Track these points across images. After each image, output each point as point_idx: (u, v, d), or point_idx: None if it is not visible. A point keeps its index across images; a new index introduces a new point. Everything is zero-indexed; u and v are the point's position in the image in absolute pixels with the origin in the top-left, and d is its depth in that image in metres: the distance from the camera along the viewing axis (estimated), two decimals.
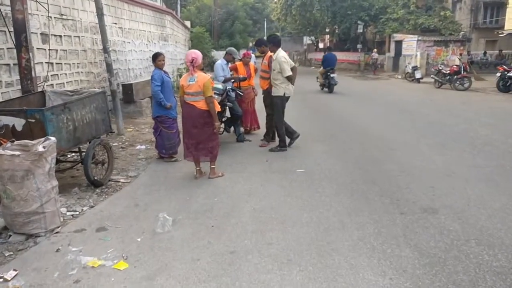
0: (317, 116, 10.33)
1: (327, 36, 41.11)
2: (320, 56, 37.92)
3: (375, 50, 27.48)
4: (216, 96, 6.37)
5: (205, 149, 5.19)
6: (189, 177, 5.37)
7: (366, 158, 6.14)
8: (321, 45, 43.56)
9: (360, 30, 29.08)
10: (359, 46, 30.37)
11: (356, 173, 5.44)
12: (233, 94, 7.12)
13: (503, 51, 23.52)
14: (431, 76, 17.53)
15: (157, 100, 5.98)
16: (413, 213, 4.05)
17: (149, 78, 6.31)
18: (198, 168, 5.33)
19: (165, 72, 6.15)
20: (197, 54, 5.09)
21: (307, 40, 42.54)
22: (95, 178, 4.95)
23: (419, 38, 22.80)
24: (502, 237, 3.46)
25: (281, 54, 6.36)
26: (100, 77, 9.53)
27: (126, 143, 7.45)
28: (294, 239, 3.55)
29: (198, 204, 4.43)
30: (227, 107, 7.16)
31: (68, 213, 4.24)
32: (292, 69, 6.44)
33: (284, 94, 6.44)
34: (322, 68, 15.76)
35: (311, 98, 14.33)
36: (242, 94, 7.16)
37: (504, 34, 19.24)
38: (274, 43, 6.52)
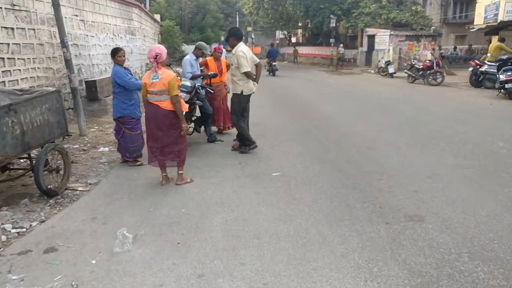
0: (291, 112, 10.00)
1: (300, 31, 40.98)
2: (291, 50, 37.79)
3: (342, 45, 27.84)
4: (184, 95, 5.93)
5: (171, 153, 4.74)
6: (155, 184, 4.91)
7: (344, 159, 5.84)
8: (293, 40, 43.40)
9: (332, 24, 28.91)
10: (332, 40, 30.23)
11: (335, 176, 5.12)
12: (202, 92, 6.67)
13: (472, 46, 23.90)
14: (404, 71, 17.53)
15: (120, 99, 5.48)
16: (399, 222, 3.75)
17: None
18: (164, 174, 4.87)
19: (126, 68, 5.63)
20: (161, 49, 4.63)
21: (279, 34, 42.25)
22: (49, 187, 4.43)
23: (392, 32, 22.85)
24: (496, 249, 3.20)
25: (240, 48, 5.91)
26: (61, 73, 8.84)
27: (88, 145, 6.89)
28: (270, 258, 3.17)
29: (163, 216, 3.99)
30: (197, 106, 6.71)
31: (14, 230, 3.72)
32: (257, 65, 6.05)
33: (242, 92, 6.01)
34: (267, 58, 22.22)
35: (285, 92, 14.01)
36: (212, 91, 6.72)
37: (475, 29, 19.46)
38: (235, 36, 6.07)
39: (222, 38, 70.14)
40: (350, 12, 27.07)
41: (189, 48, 24.68)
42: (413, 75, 16.49)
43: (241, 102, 6.04)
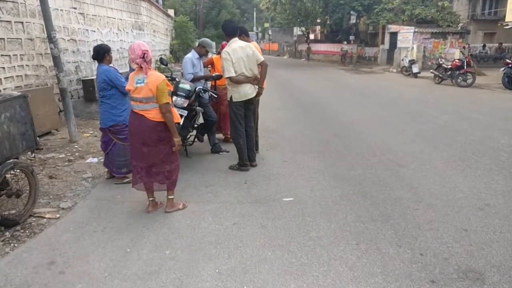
0: (308, 117, 9.02)
1: (318, 27, 39.77)
2: (312, 47, 36.64)
3: (345, 42, 28.47)
4: (181, 100, 5.05)
5: (160, 174, 3.86)
6: (140, 210, 4.04)
7: (370, 180, 4.87)
8: (312, 36, 42.17)
9: (353, 21, 27.69)
10: (351, 37, 29.08)
11: (361, 204, 4.16)
12: (206, 96, 5.78)
13: (503, 44, 22.42)
14: (431, 71, 16.31)
15: (111, 104, 4.63)
16: (449, 281, 2.79)
17: (120, 70, 4.96)
18: (151, 199, 3.99)
19: (115, 68, 4.78)
20: (146, 46, 3.76)
21: (297, 31, 41.07)
22: (6, 214, 3.60)
23: (416, 29, 21.54)
24: None
25: (227, 47, 4.98)
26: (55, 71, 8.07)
27: (77, 154, 6.07)
28: None
29: (141, 261, 3.10)
30: (200, 112, 5.82)
31: None
32: (261, 65, 5.10)
33: (232, 98, 5.07)
34: None
35: (302, 94, 13.03)
36: (216, 95, 5.80)
37: (509, 27, 18.03)
38: (225, 31, 5.16)
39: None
40: (371, 8, 25.81)
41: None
42: (440, 75, 15.30)
43: (235, 112, 5.10)
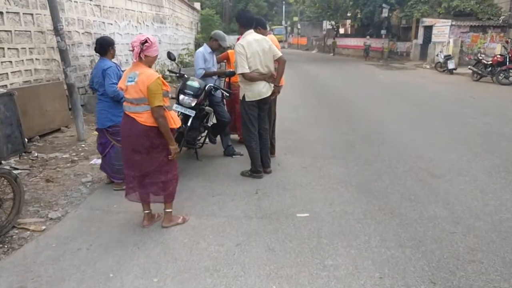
0: (333, 117, 8.38)
1: (348, 21, 38.53)
2: (341, 42, 35.58)
3: (368, 36, 28.06)
4: (189, 99, 4.58)
5: (154, 186, 3.39)
6: (135, 224, 3.60)
7: (399, 193, 4.25)
8: (341, 31, 41.01)
9: (385, 14, 26.48)
10: (383, 32, 27.83)
11: (387, 223, 3.57)
12: (218, 94, 5.28)
13: None
14: (469, 67, 15.21)
15: (109, 103, 4.23)
16: None
17: None
18: (146, 211, 3.54)
19: (117, 66, 4.36)
20: (153, 38, 3.27)
21: (326, 25, 39.97)
22: None
23: (453, 23, 20.28)
24: None
25: (242, 40, 4.43)
26: None
27: (82, 154, 5.73)
28: None
29: None
30: (211, 112, 5.33)
31: None
32: (278, 61, 4.54)
33: (244, 97, 4.54)
34: None
35: (327, 91, 12.35)
36: (229, 94, 5.29)
37: None
38: (240, 22, 4.59)
39: (269, 29, 68.26)
40: (405, 1, 24.57)
41: (228, 39, 23.40)
42: (479, 72, 14.23)
43: (247, 112, 4.57)
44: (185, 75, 5.04)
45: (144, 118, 3.18)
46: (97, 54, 4.38)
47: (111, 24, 9.55)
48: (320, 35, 44.55)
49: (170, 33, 14.74)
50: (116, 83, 3.99)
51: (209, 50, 5.39)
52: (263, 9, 37.30)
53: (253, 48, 4.39)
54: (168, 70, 4.91)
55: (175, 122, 3.36)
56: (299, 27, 49.42)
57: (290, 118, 7.90)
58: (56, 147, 6.00)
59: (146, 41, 3.17)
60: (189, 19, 20.13)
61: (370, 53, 28.03)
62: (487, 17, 20.82)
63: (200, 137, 5.41)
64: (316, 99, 10.72)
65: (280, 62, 4.59)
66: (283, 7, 48.77)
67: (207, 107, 4.96)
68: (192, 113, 4.69)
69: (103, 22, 9.16)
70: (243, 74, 4.41)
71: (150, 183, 3.36)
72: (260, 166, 4.73)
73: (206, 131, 5.60)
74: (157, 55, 3.34)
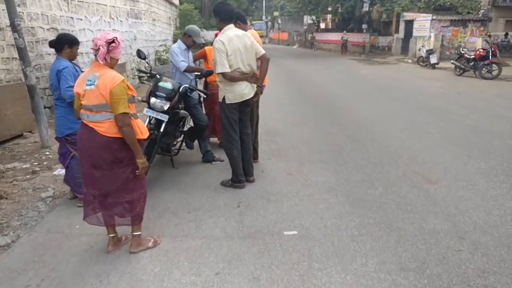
0: (319, 115, 8.00)
1: (329, 16, 38.28)
2: (322, 37, 35.31)
3: (345, 31, 28.19)
4: (161, 102, 4.12)
5: (118, 206, 2.91)
6: (99, 248, 3.12)
7: (394, 203, 3.88)
8: (322, 25, 40.77)
9: (365, 8, 26.30)
10: (364, 26, 27.65)
11: (384, 240, 3.19)
12: (194, 95, 4.81)
13: None
14: (451, 61, 15.06)
15: (68, 109, 3.71)
16: None
17: None
18: (111, 235, 3.06)
19: (75, 66, 3.85)
20: (119, 37, 2.79)
21: (307, 19, 39.66)
22: None
23: (434, 17, 20.19)
24: None
25: (221, 36, 3.98)
26: (33, 64, 7.17)
27: (45, 163, 5.18)
28: None
29: None
30: (187, 116, 4.86)
31: None
32: (261, 59, 4.12)
33: (224, 99, 4.09)
34: None
35: (311, 87, 11.97)
36: (206, 95, 4.82)
37: None
38: (219, 16, 4.10)
39: (248, 24, 67.20)
40: None
41: (208, 34, 22.74)
42: (462, 66, 14.10)
43: (227, 115, 4.11)
44: (157, 75, 4.55)
45: (105, 128, 2.70)
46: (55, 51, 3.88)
47: (81, 19, 8.91)
48: (301, 30, 44.23)
49: (147, 29, 14.09)
50: (73, 86, 3.48)
51: (184, 46, 4.91)
52: (243, 3, 36.68)
53: (234, 44, 3.94)
54: (138, 69, 4.39)
55: (143, 132, 2.89)
56: (279, 22, 48.98)
57: (274, 118, 7.48)
58: (16, 156, 5.43)
59: (113, 41, 2.70)
60: (167, 14, 19.44)
61: (350, 48, 27.87)
62: (467, 11, 20.85)
63: (176, 143, 4.93)
64: (300, 96, 10.32)
65: (263, 61, 4.16)
66: (263, 2, 48.23)
67: (182, 111, 4.47)
68: (165, 118, 4.21)
69: (71, 18, 8.52)
70: (223, 74, 3.96)
71: (114, 203, 2.89)
72: (242, 175, 4.30)
73: (183, 136, 5.14)
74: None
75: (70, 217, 3.67)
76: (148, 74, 4.56)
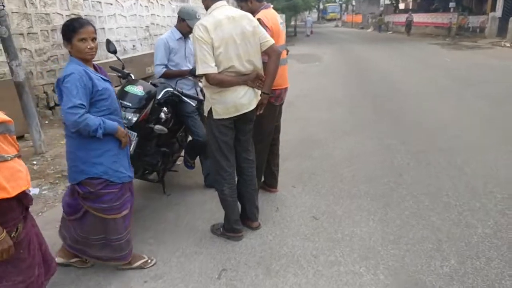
0: (378, 116, 6.30)
1: None
2: (398, 18, 32.02)
3: (410, 12, 27.01)
4: (130, 114, 2.90)
5: None
6: None
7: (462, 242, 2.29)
8: (402, 6, 37.12)
9: None
10: (451, 4, 24.14)
11: None
12: (190, 102, 3.51)
13: None
14: None
15: (78, 140, 2.32)
16: None
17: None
18: None
19: (96, 69, 2.41)
20: None
21: (385, 0, 36.34)
22: None
23: None
24: None
25: (206, 19, 2.58)
26: (45, 56, 6.41)
27: (35, 174, 4.26)
28: None
29: None
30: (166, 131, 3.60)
31: None
32: (268, 52, 2.71)
33: (210, 112, 2.72)
34: None
35: (375, 79, 10.07)
36: (201, 102, 3.50)
37: None
38: None
39: (321, 6, 63.60)
40: None
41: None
42: None
43: (216, 136, 2.75)
44: (131, 75, 3.31)
45: None
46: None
47: (111, 4, 8.02)
48: (377, 12, 40.82)
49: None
50: (81, 106, 2.17)
51: (179, 35, 3.63)
52: None
53: (225, 31, 2.56)
54: (111, 67, 3.22)
55: (9, 186, 1.65)
56: (353, 3, 45.83)
57: (318, 122, 5.97)
58: None
59: None
60: None
61: (433, 31, 24.67)
62: None
63: (159, 164, 3.58)
64: (360, 93, 8.49)
65: (271, 55, 2.73)
66: None
67: (156, 126, 3.14)
68: (132, 135, 2.97)
69: (99, 2, 7.65)
70: (206, 76, 2.61)
71: None
72: (237, 222, 2.94)
73: (184, 152, 3.93)
74: None
75: None
76: (119, 74, 3.32)
